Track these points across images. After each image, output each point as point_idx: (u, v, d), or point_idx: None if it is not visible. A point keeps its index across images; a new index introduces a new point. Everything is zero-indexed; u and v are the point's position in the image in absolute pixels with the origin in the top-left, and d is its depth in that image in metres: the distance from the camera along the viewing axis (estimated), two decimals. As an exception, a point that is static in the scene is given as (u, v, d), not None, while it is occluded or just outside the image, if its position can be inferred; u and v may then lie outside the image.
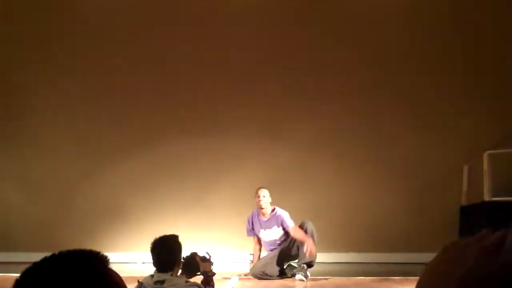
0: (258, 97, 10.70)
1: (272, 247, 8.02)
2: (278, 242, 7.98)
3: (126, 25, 10.95)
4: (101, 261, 1.16)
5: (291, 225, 7.81)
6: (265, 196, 7.96)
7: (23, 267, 1.16)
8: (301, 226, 7.89)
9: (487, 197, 9.54)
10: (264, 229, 7.95)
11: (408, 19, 10.70)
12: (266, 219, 7.97)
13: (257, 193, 8.04)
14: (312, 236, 7.71)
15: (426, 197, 10.25)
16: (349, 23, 10.80)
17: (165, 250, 3.88)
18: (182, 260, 4.06)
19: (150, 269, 4.05)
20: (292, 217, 8.09)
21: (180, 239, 4.03)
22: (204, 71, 10.79)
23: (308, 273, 7.68)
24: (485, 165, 9.68)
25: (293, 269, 7.76)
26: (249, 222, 8.14)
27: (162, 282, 3.70)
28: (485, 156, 9.73)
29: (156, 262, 3.89)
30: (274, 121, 10.65)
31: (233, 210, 10.25)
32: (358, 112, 10.61)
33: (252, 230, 8.13)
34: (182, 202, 10.51)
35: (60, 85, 10.87)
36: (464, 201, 10.12)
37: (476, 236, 0.71)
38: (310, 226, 7.83)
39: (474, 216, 9.34)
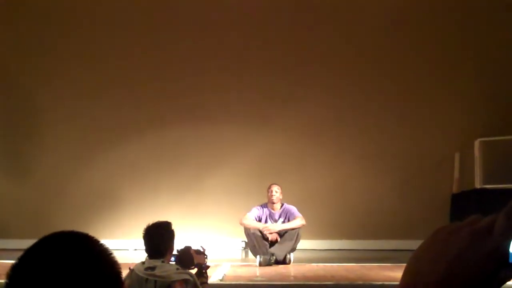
0: (252, 85, 10.68)
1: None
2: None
3: (122, 13, 10.92)
4: (95, 242, 1.18)
5: (299, 214, 7.95)
6: (277, 192, 8.07)
7: (15, 254, 1.16)
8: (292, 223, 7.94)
9: (478, 185, 9.58)
10: (271, 222, 8.00)
11: (400, 5, 10.69)
12: (276, 212, 8.04)
13: (270, 188, 8.13)
14: (297, 234, 7.80)
15: (418, 185, 10.29)
16: (339, 10, 10.78)
17: (158, 237, 3.88)
18: (176, 253, 4.06)
19: (142, 256, 4.05)
20: (286, 203, 8.14)
21: (173, 226, 4.03)
22: (199, 59, 10.77)
23: (291, 257, 7.77)
24: (477, 153, 9.71)
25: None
26: (258, 209, 8.13)
27: (152, 268, 3.70)
28: (477, 143, 9.75)
29: (148, 249, 3.89)
30: (267, 109, 10.65)
31: (226, 197, 10.28)
32: (349, 101, 10.62)
33: (256, 219, 8.11)
34: (175, 189, 10.52)
35: (54, 74, 10.83)
36: (455, 189, 10.16)
37: (466, 220, 0.71)
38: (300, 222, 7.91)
39: (465, 204, 9.40)
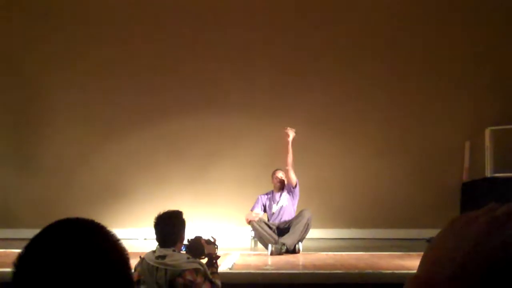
0: (259, 74, 10.66)
1: (276, 220, 8.08)
2: (282, 215, 8.04)
3: (127, 5, 10.91)
4: (101, 228, 1.17)
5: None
6: (282, 177, 8.23)
7: (24, 244, 1.16)
8: (300, 214, 7.93)
9: (488, 173, 9.54)
10: (277, 203, 8.09)
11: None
12: (279, 193, 8.12)
13: (274, 174, 8.33)
14: (307, 224, 7.78)
15: (428, 173, 10.26)
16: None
17: (169, 226, 3.88)
18: (186, 242, 4.07)
19: (152, 245, 4.06)
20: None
21: (183, 215, 4.03)
22: (205, 49, 10.75)
23: (300, 246, 7.75)
24: (487, 141, 9.68)
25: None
26: (261, 198, 8.18)
27: (163, 257, 3.71)
28: (487, 132, 9.71)
29: (159, 238, 3.90)
30: (274, 98, 10.62)
31: (235, 186, 10.28)
32: (359, 89, 10.58)
33: (261, 207, 8.15)
34: (184, 178, 10.53)
35: (60, 63, 10.84)
36: (465, 177, 10.12)
37: (484, 209, 0.69)
38: (307, 213, 7.87)
39: (475, 192, 9.35)
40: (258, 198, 8.26)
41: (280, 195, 8.15)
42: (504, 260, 0.64)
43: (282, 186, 8.23)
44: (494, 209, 0.69)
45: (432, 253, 0.70)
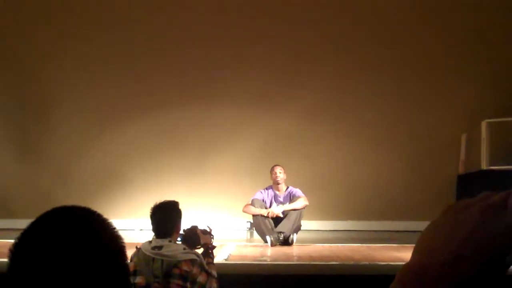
0: (257, 64, 10.64)
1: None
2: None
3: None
4: (97, 216, 1.17)
5: (302, 195, 7.98)
6: (281, 173, 8.08)
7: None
8: (294, 200, 7.93)
9: (484, 166, 9.55)
10: (277, 204, 7.99)
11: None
12: (281, 195, 8.05)
13: (273, 169, 8.15)
14: (300, 214, 7.80)
15: (424, 166, 10.27)
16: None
17: (165, 216, 3.88)
18: (182, 232, 4.07)
19: (148, 236, 4.05)
20: (292, 185, 8.14)
21: (180, 206, 4.03)
22: (204, 39, 10.72)
23: (294, 238, 7.72)
24: (484, 134, 9.67)
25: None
26: (261, 192, 8.12)
27: (159, 247, 3.71)
28: (484, 124, 9.71)
29: (155, 228, 3.90)
30: (273, 88, 10.61)
31: (232, 177, 10.28)
32: (357, 80, 10.58)
33: (261, 200, 8.08)
34: (181, 169, 10.53)
35: (59, 52, 10.80)
36: (461, 170, 10.14)
37: (479, 197, 0.69)
38: (301, 201, 7.87)
39: (471, 185, 9.37)
40: (257, 193, 8.15)
41: (283, 200, 8.06)
42: (499, 248, 0.64)
43: (279, 183, 8.11)
44: (489, 197, 0.68)
45: (426, 241, 0.70)
